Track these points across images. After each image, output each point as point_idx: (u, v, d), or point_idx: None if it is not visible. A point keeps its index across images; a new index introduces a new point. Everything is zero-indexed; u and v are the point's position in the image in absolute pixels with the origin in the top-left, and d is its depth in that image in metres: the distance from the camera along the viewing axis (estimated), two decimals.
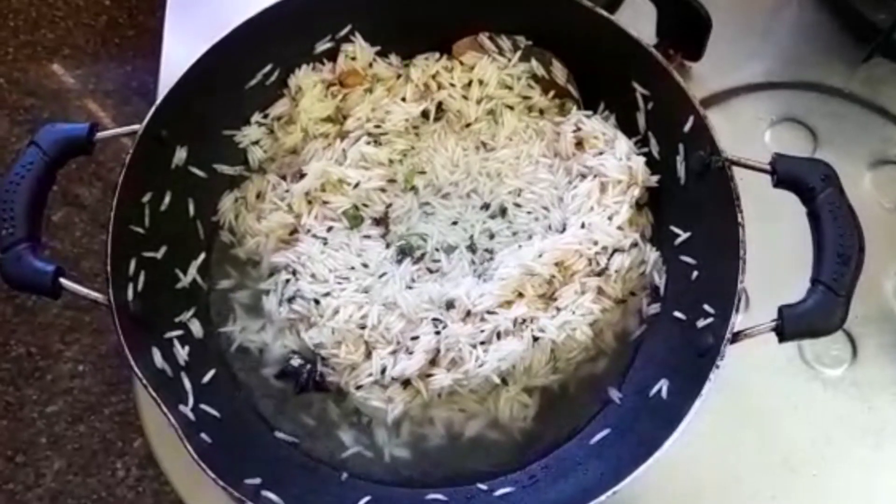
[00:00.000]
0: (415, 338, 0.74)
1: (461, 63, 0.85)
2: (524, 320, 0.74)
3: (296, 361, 0.77)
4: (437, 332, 0.74)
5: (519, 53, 0.84)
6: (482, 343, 0.74)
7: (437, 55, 0.86)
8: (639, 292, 0.78)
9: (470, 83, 0.85)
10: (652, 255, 0.78)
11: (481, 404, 0.75)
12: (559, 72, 0.83)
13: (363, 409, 0.75)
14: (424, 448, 0.75)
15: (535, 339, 0.74)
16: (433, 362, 0.74)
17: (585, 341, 0.75)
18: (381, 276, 0.78)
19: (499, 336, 0.74)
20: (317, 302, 0.76)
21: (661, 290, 0.78)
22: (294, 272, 0.78)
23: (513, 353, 0.73)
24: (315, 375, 0.75)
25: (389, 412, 0.73)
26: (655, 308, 0.77)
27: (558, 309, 0.75)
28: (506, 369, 0.73)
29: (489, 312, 0.75)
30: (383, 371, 0.73)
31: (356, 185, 0.80)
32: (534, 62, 0.84)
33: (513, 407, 0.75)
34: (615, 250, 0.77)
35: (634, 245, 0.77)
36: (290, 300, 0.77)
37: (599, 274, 0.76)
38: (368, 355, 0.75)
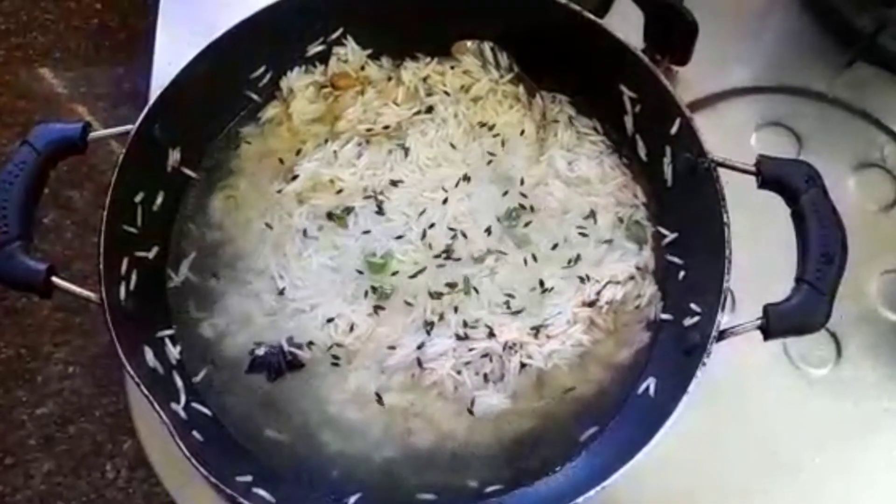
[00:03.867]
0: (392, 347, 0.75)
1: (457, 60, 0.86)
2: (513, 345, 0.75)
3: (261, 350, 0.77)
4: (420, 347, 0.75)
5: (511, 76, 0.85)
6: (467, 363, 0.74)
7: (427, 59, 0.86)
8: (633, 325, 0.78)
9: (461, 87, 0.86)
10: (649, 289, 0.78)
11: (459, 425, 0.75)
12: (538, 106, 0.84)
13: (338, 422, 0.75)
14: (411, 450, 0.75)
15: (523, 365, 0.75)
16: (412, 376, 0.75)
17: (573, 370, 0.75)
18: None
19: (491, 361, 0.75)
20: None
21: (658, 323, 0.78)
22: (282, 273, 0.79)
23: (493, 409, 0.74)
24: (286, 357, 0.76)
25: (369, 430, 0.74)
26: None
27: (548, 337, 0.75)
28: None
29: (490, 333, 0.75)
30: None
31: (340, 191, 0.81)
32: (521, 88, 0.85)
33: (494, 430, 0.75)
34: (609, 281, 0.77)
35: (631, 278, 0.78)
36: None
37: (591, 304, 0.77)
38: (348, 361, 0.76)
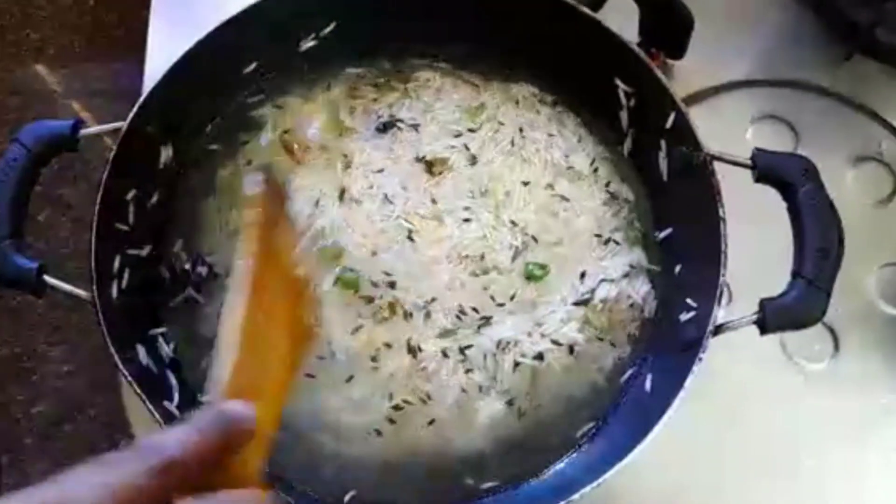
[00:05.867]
0: (387, 345, 0.75)
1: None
2: (507, 343, 0.74)
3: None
4: (414, 345, 0.74)
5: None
6: (462, 361, 0.74)
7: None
8: (627, 322, 0.77)
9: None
10: (644, 285, 0.78)
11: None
12: None
13: (335, 424, 0.75)
14: (404, 449, 0.74)
15: (517, 363, 0.74)
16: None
17: (567, 368, 0.75)
18: None
19: (485, 359, 0.74)
20: None
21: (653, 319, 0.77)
22: None
23: (487, 407, 0.74)
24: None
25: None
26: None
27: (542, 335, 0.75)
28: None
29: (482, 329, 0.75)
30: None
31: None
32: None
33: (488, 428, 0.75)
34: (602, 279, 0.77)
35: (625, 275, 0.77)
36: None
37: (585, 303, 0.76)
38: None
